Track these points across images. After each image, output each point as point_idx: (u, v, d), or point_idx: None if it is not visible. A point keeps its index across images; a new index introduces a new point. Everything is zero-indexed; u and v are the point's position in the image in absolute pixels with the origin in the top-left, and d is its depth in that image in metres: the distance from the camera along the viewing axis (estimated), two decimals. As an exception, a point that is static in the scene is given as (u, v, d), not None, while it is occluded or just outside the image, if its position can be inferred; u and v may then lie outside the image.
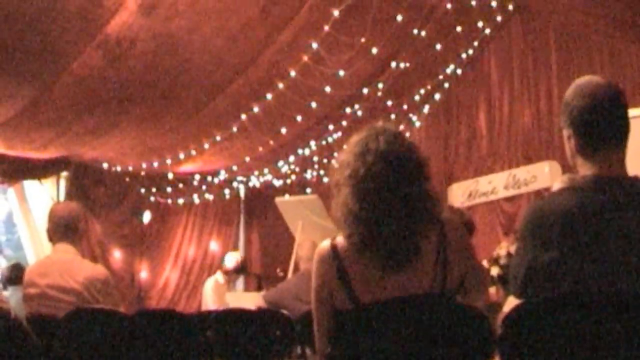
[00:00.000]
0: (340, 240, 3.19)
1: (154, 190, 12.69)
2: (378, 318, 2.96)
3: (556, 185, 2.93)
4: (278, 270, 12.51)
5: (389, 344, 2.84)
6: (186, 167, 12.51)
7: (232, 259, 11.03)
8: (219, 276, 10.91)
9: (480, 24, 11.18)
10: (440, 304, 3.01)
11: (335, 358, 2.96)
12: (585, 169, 2.90)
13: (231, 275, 10.96)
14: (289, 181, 13.80)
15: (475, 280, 3.35)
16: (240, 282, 13.26)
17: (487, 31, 11.53)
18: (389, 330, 2.87)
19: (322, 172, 13.38)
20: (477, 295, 3.37)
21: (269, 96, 10.03)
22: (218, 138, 10.98)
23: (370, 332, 2.89)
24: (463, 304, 3.12)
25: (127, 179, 12.35)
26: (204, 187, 13.31)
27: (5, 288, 9.49)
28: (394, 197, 3.08)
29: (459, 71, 12.29)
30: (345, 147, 3.30)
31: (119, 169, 12.01)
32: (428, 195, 3.15)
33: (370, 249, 3.07)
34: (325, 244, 3.23)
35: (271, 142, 11.63)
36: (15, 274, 9.48)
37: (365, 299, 3.07)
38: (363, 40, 9.44)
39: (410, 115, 12.78)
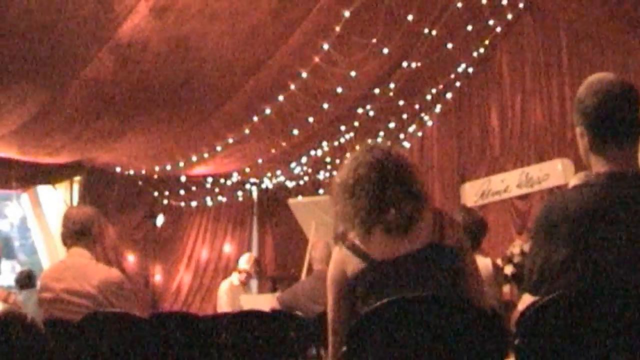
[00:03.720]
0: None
1: (167, 193, 12.72)
2: (386, 270, 3.33)
3: (572, 183, 2.93)
4: (292, 271, 12.52)
5: (404, 341, 2.85)
6: (199, 170, 12.53)
7: (247, 260, 11.04)
8: (234, 278, 10.90)
9: (491, 23, 11.15)
10: (454, 302, 3.01)
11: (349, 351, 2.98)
12: (598, 166, 2.89)
13: (248, 276, 10.94)
14: (301, 182, 13.81)
15: (474, 281, 3.53)
16: (254, 284, 13.27)
17: (498, 29, 11.51)
18: (404, 330, 2.87)
19: (334, 172, 13.38)
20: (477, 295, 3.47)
21: (281, 98, 10.04)
22: (230, 140, 10.99)
23: (385, 329, 2.90)
24: (477, 303, 3.12)
25: (140, 183, 12.38)
26: (216, 190, 13.33)
27: (19, 292, 9.53)
28: (386, 192, 3.43)
29: (470, 70, 12.26)
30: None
31: (131, 172, 12.04)
32: (421, 199, 3.47)
33: (376, 222, 3.41)
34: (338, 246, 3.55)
35: (283, 144, 11.64)
36: (27, 280, 9.53)
37: (377, 257, 3.40)
38: (374, 40, 9.44)
39: (422, 114, 12.78)
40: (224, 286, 10.91)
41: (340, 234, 3.55)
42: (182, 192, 12.86)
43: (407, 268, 3.32)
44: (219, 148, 11.21)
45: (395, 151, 3.60)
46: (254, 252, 14.31)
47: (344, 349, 2.97)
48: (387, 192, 3.42)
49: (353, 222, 3.45)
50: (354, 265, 3.41)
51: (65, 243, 5.48)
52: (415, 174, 3.56)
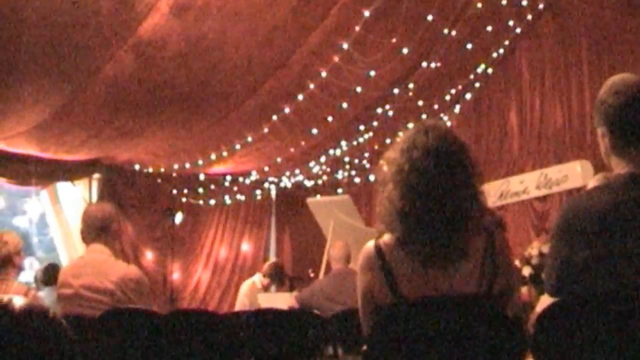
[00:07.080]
0: (384, 238, 3.09)
1: (185, 191, 12.76)
2: (416, 313, 2.91)
3: (591, 184, 2.91)
4: (310, 270, 12.52)
5: (422, 339, 2.84)
6: (217, 168, 12.55)
7: (268, 265, 10.99)
8: (256, 279, 10.88)
9: (511, 23, 11.13)
10: (471, 303, 3.00)
11: (369, 354, 2.96)
12: (620, 167, 2.87)
13: (269, 281, 10.89)
14: (320, 182, 13.81)
15: (510, 281, 3.20)
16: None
17: (518, 30, 11.48)
18: (421, 325, 2.87)
19: (353, 172, 13.39)
20: (510, 296, 3.31)
21: (300, 97, 10.05)
22: (249, 139, 11.01)
23: (407, 326, 2.89)
24: (495, 304, 3.10)
25: (159, 181, 12.42)
26: (235, 188, 13.34)
27: (39, 289, 9.55)
28: (438, 195, 2.98)
29: (489, 71, 12.23)
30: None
31: (150, 170, 12.08)
32: (475, 199, 3.07)
33: (413, 246, 2.98)
34: (370, 243, 3.12)
35: (302, 143, 11.65)
36: (50, 275, 9.55)
37: (407, 294, 2.98)
38: (394, 40, 9.44)
39: (441, 115, 12.75)
40: (244, 287, 10.90)
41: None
42: (200, 190, 12.89)
43: (443, 316, 2.85)
44: (238, 147, 11.23)
45: (457, 137, 3.19)
46: (272, 251, 14.37)
47: (364, 347, 2.96)
48: (441, 194, 2.98)
49: (393, 221, 3.03)
50: (382, 293, 3.03)
51: (84, 240, 5.51)
52: (478, 170, 3.22)
